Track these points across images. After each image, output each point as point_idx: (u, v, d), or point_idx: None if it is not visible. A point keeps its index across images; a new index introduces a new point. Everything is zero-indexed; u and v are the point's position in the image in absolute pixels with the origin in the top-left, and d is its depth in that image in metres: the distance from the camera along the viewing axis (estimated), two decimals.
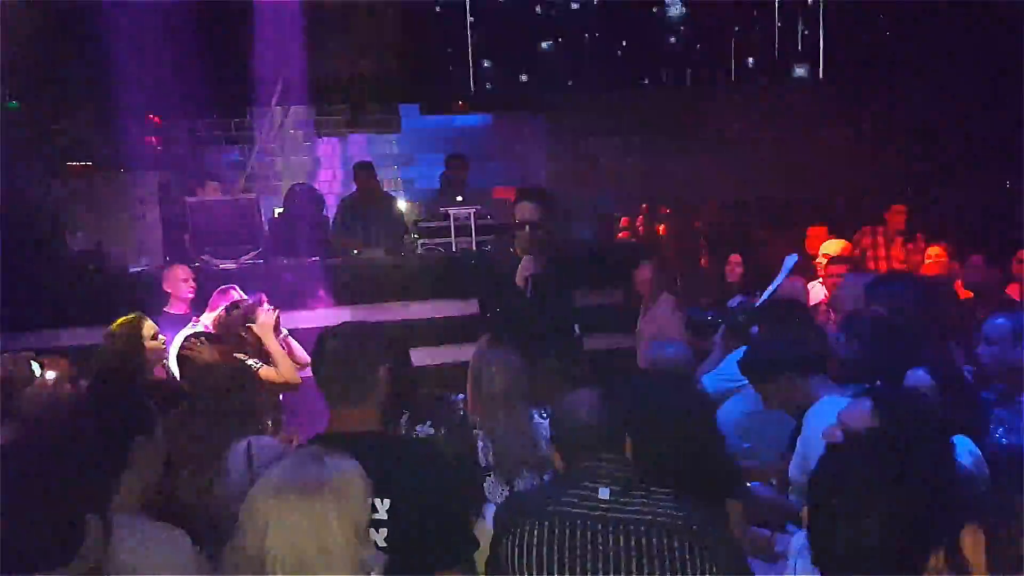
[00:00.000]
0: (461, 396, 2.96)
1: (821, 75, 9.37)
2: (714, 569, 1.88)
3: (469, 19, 8.85)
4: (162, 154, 7.95)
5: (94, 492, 1.61)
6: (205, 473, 2.51)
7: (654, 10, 9.14)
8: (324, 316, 5.77)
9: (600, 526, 1.90)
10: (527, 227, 4.09)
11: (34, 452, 1.64)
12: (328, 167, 8.89)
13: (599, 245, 7.53)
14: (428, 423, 2.86)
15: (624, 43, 9.16)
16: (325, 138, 8.90)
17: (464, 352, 5.12)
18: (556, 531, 1.91)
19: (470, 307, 5.40)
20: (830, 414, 2.83)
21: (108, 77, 7.07)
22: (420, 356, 4.41)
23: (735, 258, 5.70)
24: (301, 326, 5.39)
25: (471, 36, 8.88)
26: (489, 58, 9.00)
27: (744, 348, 3.75)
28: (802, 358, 3.17)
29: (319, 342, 2.24)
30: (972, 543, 1.17)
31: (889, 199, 7.14)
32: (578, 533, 1.90)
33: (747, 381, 3.38)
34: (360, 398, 2.18)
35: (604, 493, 1.93)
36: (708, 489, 2.08)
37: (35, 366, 2.77)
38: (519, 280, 4.03)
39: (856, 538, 1.39)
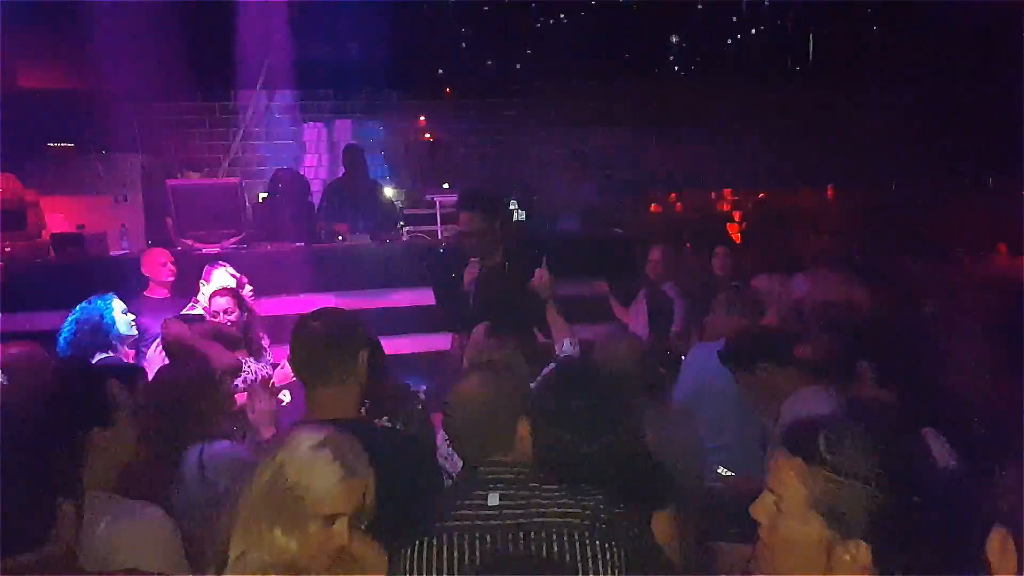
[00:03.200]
0: (423, 387, 2.93)
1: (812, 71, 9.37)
2: (622, 557, 1.75)
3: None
4: (145, 137, 7.85)
5: (64, 477, 1.59)
6: (161, 476, 2.47)
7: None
8: (307, 302, 5.73)
9: (492, 535, 1.78)
10: (472, 236, 4.11)
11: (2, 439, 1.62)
12: (313, 152, 8.80)
13: (586, 236, 7.50)
14: (386, 418, 2.83)
15: (615, 33, 9.12)
16: (310, 123, 8.81)
17: (448, 340, 5.13)
18: (452, 545, 1.79)
19: None
20: (807, 405, 2.85)
21: (91, 58, 6.98)
22: (404, 343, 4.38)
23: (721, 250, 5.70)
24: (283, 312, 5.36)
25: (461, 23, 8.81)
26: (477, 45, 8.93)
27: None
28: (780, 349, 3.19)
29: (299, 325, 2.24)
30: (1000, 547, 1.13)
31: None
32: (476, 544, 1.78)
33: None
34: (340, 379, 2.18)
35: (494, 499, 1.82)
36: (633, 498, 1.90)
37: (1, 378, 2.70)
38: (465, 285, 4.10)
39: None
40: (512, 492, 1.84)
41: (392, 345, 3.73)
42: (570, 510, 1.79)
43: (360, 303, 5.93)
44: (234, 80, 8.13)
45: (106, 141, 7.37)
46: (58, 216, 6.52)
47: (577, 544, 1.75)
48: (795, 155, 8.88)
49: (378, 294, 6.14)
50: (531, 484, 1.85)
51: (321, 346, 2.17)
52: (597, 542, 1.75)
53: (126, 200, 6.85)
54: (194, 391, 2.70)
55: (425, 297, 6.08)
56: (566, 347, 3.47)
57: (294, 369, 2.26)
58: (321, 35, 8.20)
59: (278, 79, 8.13)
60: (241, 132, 8.40)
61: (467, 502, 1.85)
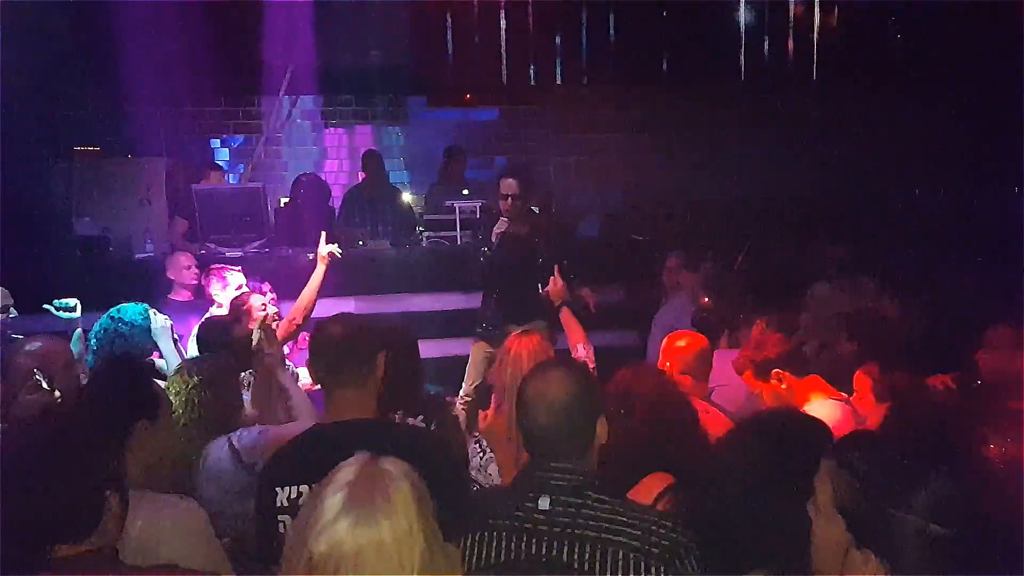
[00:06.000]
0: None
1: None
2: None
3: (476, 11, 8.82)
4: (170, 141, 7.95)
5: (112, 470, 1.63)
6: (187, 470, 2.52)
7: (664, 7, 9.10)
8: (327, 306, 5.78)
9: (536, 539, 1.77)
10: (508, 198, 4.92)
11: (51, 431, 1.66)
12: (335, 158, 8.88)
13: (605, 242, 7.52)
14: (420, 417, 2.89)
15: (633, 38, 9.13)
16: (332, 128, 8.89)
17: (467, 345, 5.17)
18: (494, 543, 1.79)
19: (473, 300, 5.42)
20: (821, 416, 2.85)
21: (117, 63, 7.08)
22: (423, 348, 4.40)
23: (739, 257, 5.69)
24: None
25: (478, 29, 8.85)
26: (497, 52, 8.96)
27: None
28: (794, 358, 3.18)
29: (318, 329, 2.29)
30: None
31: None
32: (513, 545, 1.77)
33: None
34: (359, 381, 2.22)
35: (544, 503, 1.79)
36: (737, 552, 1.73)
37: (41, 379, 2.74)
38: (493, 236, 4.94)
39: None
40: (564, 499, 1.80)
41: None
42: (622, 527, 1.75)
43: (379, 307, 5.99)
44: (257, 86, 8.22)
45: (132, 145, 7.49)
46: (84, 218, 6.62)
47: (620, 561, 1.71)
48: (812, 161, 8.86)
49: (397, 299, 6.19)
50: (585, 493, 1.81)
51: (340, 348, 2.22)
52: (642, 563, 1.70)
53: (150, 203, 6.94)
54: (229, 381, 2.77)
55: (444, 302, 6.16)
56: (580, 351, 3.51)
57: (313, 373, 2.31)
58: (343, 41, 8.26)
59: (301, 85, 8.21)
60: (264, 137, 8.49)
61: (521, 503, 1.83)
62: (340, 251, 4.50)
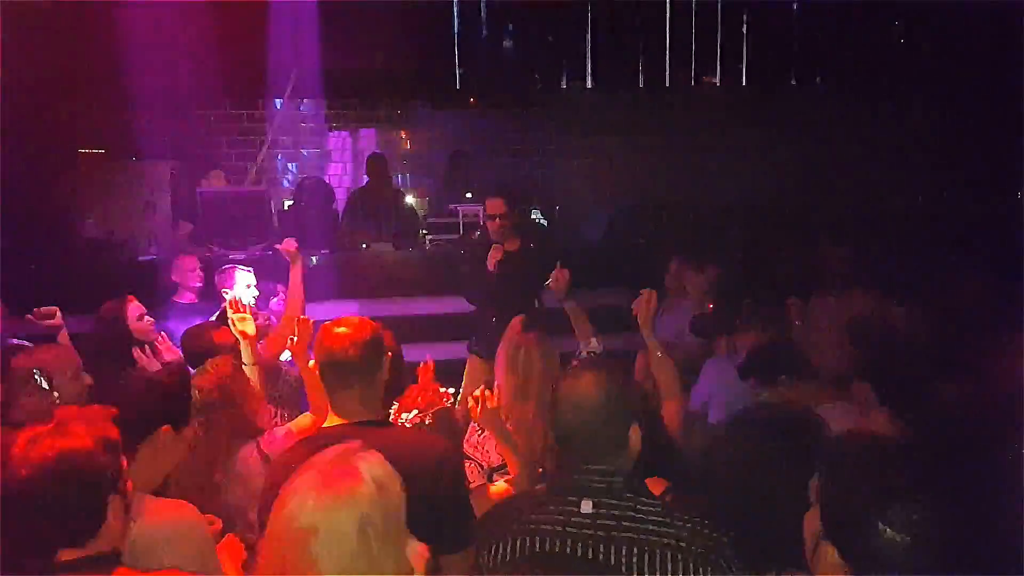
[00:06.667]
0: (451, 389, 3.03)
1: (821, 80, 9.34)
2: None
3: (483, 15, 8.84)
4: (174, 144, 7.97)
5: (117, 473, 1.64)
6: (202, 481, 2.54)
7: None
8: (331, 309, 5.79)
9: (580, 543, 1.75)
10: (496, 218, 4.83)
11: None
12: (338, 161, 8.90)
13: (606, 246, 7.52)
14: (415, 411, 2.91)
15: (636, 41, 9.16)
16: (336, 132, 8.91)
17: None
18: (536, 548, 1.77)
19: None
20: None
21: (122, 66, 7.11)
22: (426, 351, 4.39)
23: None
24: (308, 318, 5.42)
25: (485, 32, 8.87)
26: (501, 55, 8.99)
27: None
28: (801, 363, 3.19)
29: (326, 332, 2.29)
30: None
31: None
32: (557, 547, 1.75)
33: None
34: (367, 383, 2.24)
35: (587, 507, 1.77)
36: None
37: (40, 379, 2.73)
38: (490, 264, 4.78)
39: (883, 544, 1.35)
40: (606, 502, 1.78)
41: (414, 352, 3.77)
42: (664, 528, 1.74)
43: (382, 310, 6.00)
44: (262, 89, 8.25)
45: (137, 148, 7.52)
46: (89, 221, 6.65)
47: (670, 563, 1.70)
48: (814, 164, 8.86)
49: (400, 302, 6.20)
50: (626, 495, 1.79)
51: (347, 350, 2.23)
52: (690, 564, 1.69)
53: (154, 206, 6.97)
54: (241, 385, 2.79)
55: (447, 305, 6.16)
56: (593, 344, 3.53)
57: (320, 374, 2.31)
58: (348, 44, 8.28)
59: (305, 88, 8.23)
60: (268, 140, 8.51)
61: (560, 507, 1.80)
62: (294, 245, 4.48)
